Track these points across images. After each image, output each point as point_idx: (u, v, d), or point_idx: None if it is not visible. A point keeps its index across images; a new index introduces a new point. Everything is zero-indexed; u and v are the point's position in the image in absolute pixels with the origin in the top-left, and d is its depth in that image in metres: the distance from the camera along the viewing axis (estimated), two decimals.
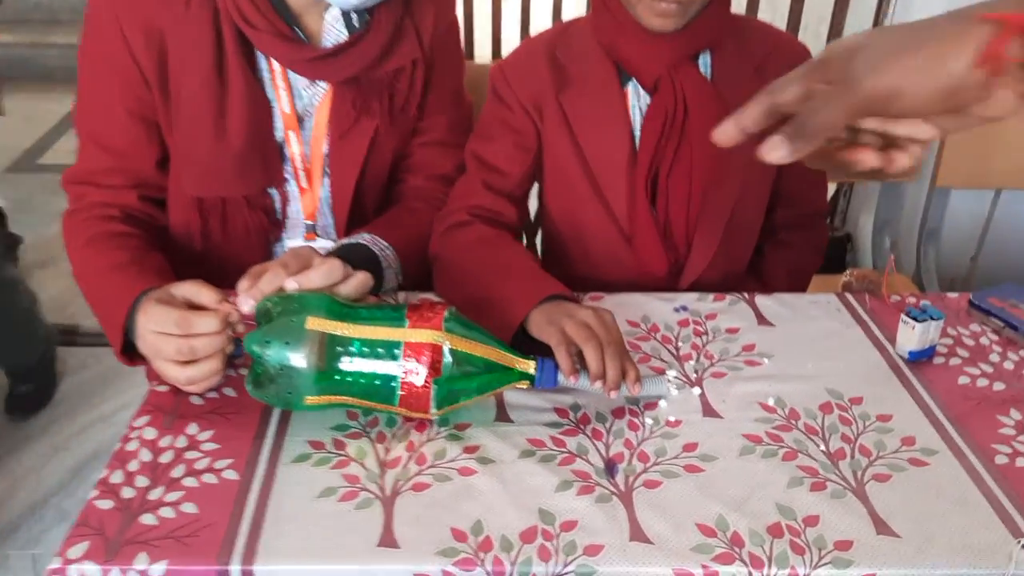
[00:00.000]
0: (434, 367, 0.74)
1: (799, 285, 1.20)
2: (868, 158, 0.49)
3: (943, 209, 1.58)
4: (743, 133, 0.50)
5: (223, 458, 0.76)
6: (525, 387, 0.80)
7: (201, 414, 0.81)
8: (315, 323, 0.74)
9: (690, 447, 0.79)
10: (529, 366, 0.79)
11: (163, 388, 0.84)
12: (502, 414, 0.82)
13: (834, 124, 0.46)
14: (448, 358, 0.75)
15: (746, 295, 1.04)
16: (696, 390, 0.86)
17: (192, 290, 0.81)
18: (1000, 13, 0.43)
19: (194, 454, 0.76)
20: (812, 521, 0.71)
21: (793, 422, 0.83)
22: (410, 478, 0.75)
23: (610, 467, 0.76)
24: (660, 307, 1.00)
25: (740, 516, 0.71)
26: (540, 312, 0.85)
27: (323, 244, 1.10)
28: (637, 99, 1.03)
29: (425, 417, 0.78)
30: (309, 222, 1.10)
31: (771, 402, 0.85)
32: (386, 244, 1.02)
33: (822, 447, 0.80)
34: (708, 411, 0.84)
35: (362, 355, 0.74)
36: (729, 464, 0.77)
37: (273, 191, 1.07)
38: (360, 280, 0.81)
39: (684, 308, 1.00)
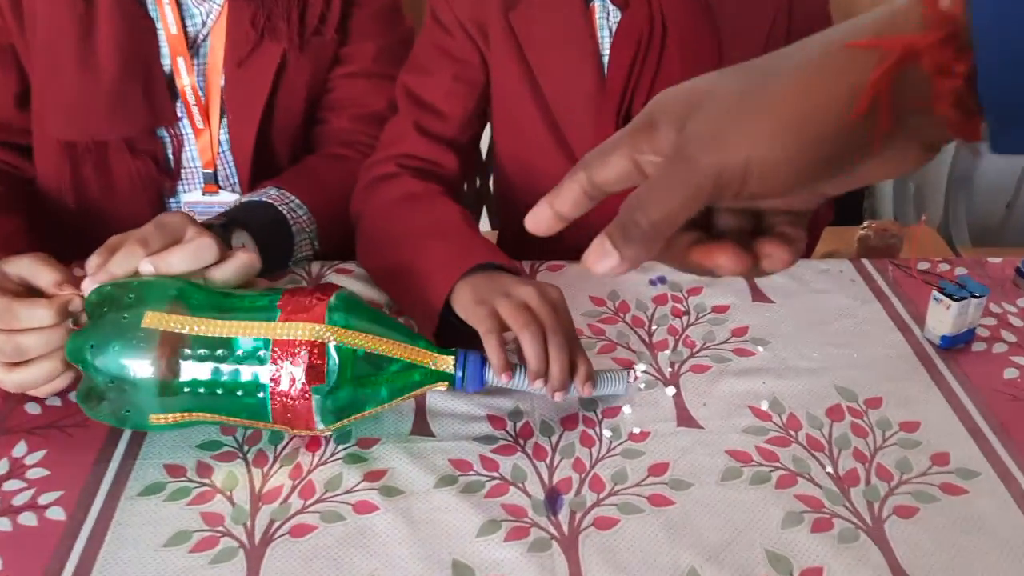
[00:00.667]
0: (315, 371, 0.56)
1: (808, 244, 1.01)
2: (728, 262, 0.35)
3: (975, 150, 1.37)
4: (563, 220, 0.37)
5: (51, 490, 0.59)
6: (444, 389, 0.63)
7: (34, 428, 0.64)
8: (154, 319, 0.55)
9: (658, 469, 0.61)
10: (447, 363, 0.61)
11: None
12: (421, 425, 0.65)
13: (671, 219, 0.32)
14: (334, 359, 0.56)
15: None
16: (670, 390, 0.68)
17: (29, 267, 0.62)
18: (874, 38, 0.29)
19: (14, 484, 0.59)
20: (814, 575, 0.54)
21: (792, 433, 0.65)
22: (289, 517, 0.57)
23: (552, 499, 0.59)
24: (632, 278, 0.82)
25: (719, 569, 0.54)
26: (467, 287, 0.67)
27: (227, 199, 0.91)
28: (605, 16, 0.83)
29: (313, 434, 0.61)
30: (208, 171, 0.91)
31: (765, 406, 0.67)
32: (298, 202, 0.83)
33: (828, 468, 0.62)
34: (684, 418, 0.66)
35: (216, 359, 0.56)
36: (707, 494, 0.60)
37: (162, 133, 0.88)
38: (240, 263, 0.62)
39: (662, 280, 0.81)
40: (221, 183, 0.91)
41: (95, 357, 0.55)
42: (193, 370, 0.56)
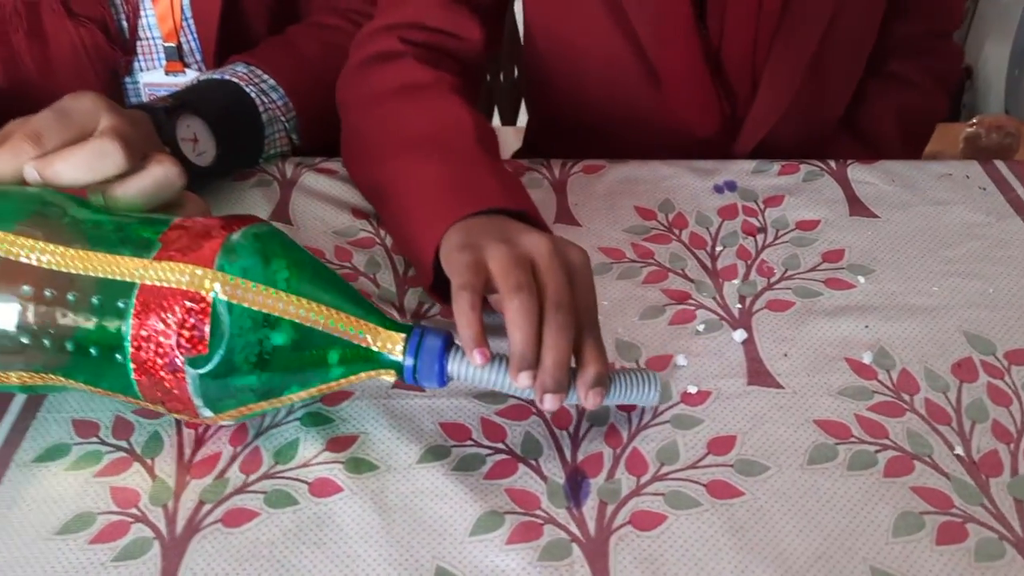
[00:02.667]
0: (190, 336, 0.39)
1: (917, 145, 0.81)
2: None
3: None
4: None
5: None
6: (390, 381, 0.45)
7: None
8: None
9: (721, 445, 0.45)
10: (394, 344, 0.42)
11: None
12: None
13: None
14: (222, 321, 0.39)
15: (832, 164, 0.66)
16: (739, 334, 0.51)
17: None
18: None
19: None
20: None
21: (906, 398, 0.48)
22: (224, 498, 0.43)
23: (574, 484, 0.44)
24: (692, 184, 0.64)
25: None
26: (460, 230, 0.48)
27: (192, 78, 0.75)
28: None
29: (197, 422, 0.45)
30: (170, 44, 0.74)
31: (867, 358, 0.50)
32: (272, 83, 0.66)
33: (958, 449, 0.45)
34: (757, 374, 0.49)
35: (64, 305, 0.40)
36: (789, 482, 0.44)
37: None
38: (151, 180, 0.46)
39: (730, 186, 0.63)
40: (187, 60, 0.74)
41: None
42: (36, 315, 0.40)
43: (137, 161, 0.46)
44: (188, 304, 0.39)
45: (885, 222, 0.60)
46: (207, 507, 0.43)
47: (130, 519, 0.42)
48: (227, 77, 0.64)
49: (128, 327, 0.39)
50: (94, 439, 0.46)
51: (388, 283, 0.56)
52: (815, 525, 0.42)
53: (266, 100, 0.65)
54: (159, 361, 0.39)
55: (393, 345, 0.42)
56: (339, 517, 0.42)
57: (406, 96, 0.61)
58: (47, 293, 0.40)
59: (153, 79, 0.74)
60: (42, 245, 0.40)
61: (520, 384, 0.41)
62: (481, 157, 0.54)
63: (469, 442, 0.46)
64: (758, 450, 0.45)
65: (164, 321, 0.39)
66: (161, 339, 0.39)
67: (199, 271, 0.39)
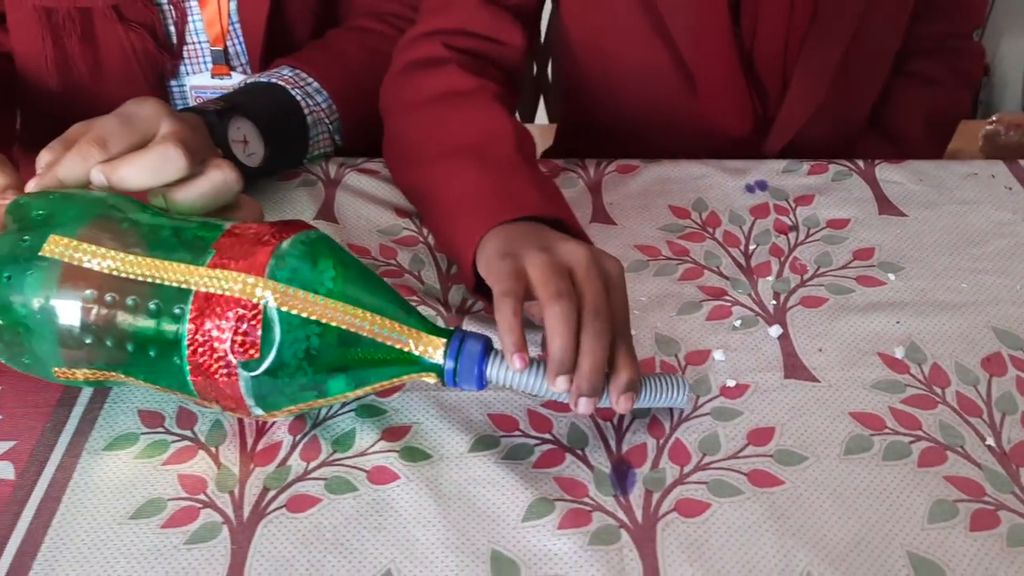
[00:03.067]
0: (243, 341, 0.41)
1: (941, 143, 0.82)
2: None
3: None
4: None
5: (1, 440, 0.48)
6: (432, 381, 0.46)
7: None
8: (57, 246, 0.42)
9: (760, 436, 0.47)
10: (435, 349, 0.44)
11: None
12: None
13: None
14: (274, 327, 0.41)
15: (860, 164, 0.68)
16: (775, 329, 0.53)
17: None
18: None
19: None
20: None
21: (938, 391, 0.50)
22: (287, 485, 0.45)
23: (620, 473, 0.46)
24: (724, 183, 0.65)
25: None
26: (499, 236, 0.49)
27: (238, 81, 0.77)
28: None
29: (248, 418, 0.47)
30: (216, 48, 0.76)
31: (900, 353, 0.52)
32: (317, 86, 0.68)
33: (989, 440, 0.47)
34: (793, 368, 0.51)
35: (125, 309, 0.42)
36: (826, 471, 0.45)
37: (160, 0, 0.73)
38: (209, 185, 0.49)
39: (761, 186, 0.65)
40: (233, 63, 0.76)
41: None
42: (98, 317, 0.42)
43: (197, 165, 0.49)
44: (241, 311, 0.41)
45: (913, 221, 0.62)
46: (271, 493, 0.45)
47: (199, 505, 0.44)
48: (274, 80, 0.66)
49: (184, 331, 0.41)
50: (160, 429, 0.48)
51: (432, 280, 0.58)
52: (853, 512, 0.43)
53: (311, 103, 0.67)
54: (214, 364, 0.41)
55: (435, 349, 0.43)
56: (397, 503, 0.44)
57: (449, 103, 0.63)
58: (108, 297, 0.42)
59: (200, 82, 0.76)
60: (103, 251, 0.42)
61: (557, 388, 0.42)
62: (521, 165, 0.56)
63: (517, 432, 0.48)
64: (796, 441, 0.47)
65: (218, 326, 0.41)
66: (215, 343, 0.41)
67: (251, 279, 0.41)
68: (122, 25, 0.72)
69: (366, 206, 0.64)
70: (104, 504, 0.44)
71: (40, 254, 0.42)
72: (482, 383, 0.44)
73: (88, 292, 0.42)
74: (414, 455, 0.46)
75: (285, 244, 0.43)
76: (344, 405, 0.49)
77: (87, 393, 0.50)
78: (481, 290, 0.52)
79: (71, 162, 0.47)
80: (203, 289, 0.41)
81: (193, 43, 0.76)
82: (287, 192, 0.65)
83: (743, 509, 0.44)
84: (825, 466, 0.46)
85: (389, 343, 0.43)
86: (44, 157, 0.49)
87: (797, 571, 0.41)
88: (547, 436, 0.47)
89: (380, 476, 0.45)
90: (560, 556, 0.42)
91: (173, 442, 0.47)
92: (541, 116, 1.38)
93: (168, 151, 0.47)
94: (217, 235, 0.43)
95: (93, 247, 0.42)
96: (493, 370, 0.44)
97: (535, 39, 0.77)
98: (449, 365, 0.43)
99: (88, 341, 0.42)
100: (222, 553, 0.42)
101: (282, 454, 0.47)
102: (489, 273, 0.48)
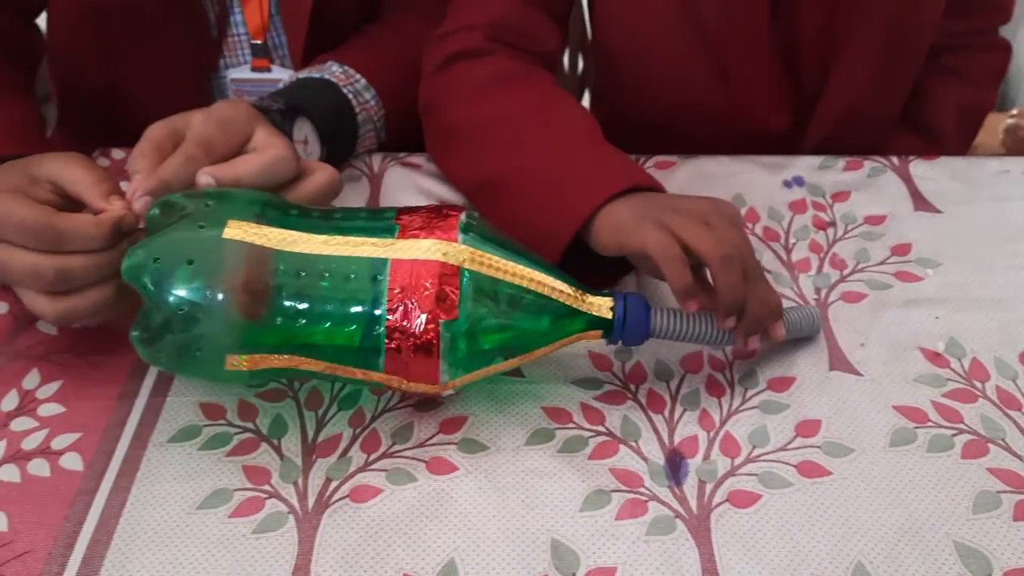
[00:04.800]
0: (446, 301, 0.43)
1: (971, 138, 0.83)
2: None
3: None
4: None
5: (66, 431, 0.49)
6: (597, 340, 0.48)
7: (49, 353, 0.53)
8: (239, 230, 0.43)
9: (807, 428, 0.49)
10: (603, 306, 0.47)
11: (1, 308, 0.56)
12: None
13: None
14: (468, 288, 0.43)
15: (895, 160, 0.69)
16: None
17: (63, 170, 0.49)
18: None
19: (25, 422, 0.49)
20: None
21: (978, 386, 0.51)
22: (349, 476, 0.47)
23: (674, 464, 0.47)
24: (762, 179, 0.66)
25: (895, 567, 0.42)
26: (621, 207, 0.51)
27: (280, 76, 0.78)
28: None
29: (430, 392, 0.47)
30: (257, 41, 0.76)
31: (940, 347, 0.53)
32: (365, 83, 0.69)
33: None
34: (838, 360, 0.52)
35: (318, 285, 0.43)
36: (873, 463, 0.47)
37: None
38: (321, 184, 0.51)
39: (799, 181, 0.66)
40: (273, 56, 0.77)
41: (161, 278, 0.42)
42: (289, 296, 0.43)
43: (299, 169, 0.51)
44: (442, 274, 0.43)
45: (949, 217, 0.63)
46: (334, 484, 0.46)
47: (264, 495, 0.46)
48: (325, 76, 0.67)
49: (384, 298, 0.43)
50: (222, 421, 0.49)
51: None
52: (900, 503, 0.45)
53: (360, 100, 0.67)
54: (416, 327, 0.43)
55: (601, 308, 0.47)
56: (457, 493, 0.46)
57: (508, 84, 0.63)
58: (301, 274, 0.43)
59: (240, 75, 0.77)
60: (286, 232, 0.43)
61: (728, 327, 0.47)
62: (602, 140, 0.58)
63: (571, 425, 0.49)
64: (843, 433, 0.48)
65: (418, 291, 0.43)
66: (418, 306, 0.43)
67: (452, 246, 0.44)
68: (169, 17, 0.72)
69: (412, 199, 0.65)
70: (172, 494, 0.46)
71: (223, 237, 0.42)
72: (647, 336, 0.48)
73: (279, 269, 0.43)
74: (472, 447, 0.48)
75: (463, 217, 0.45)
76: (403, 399, 0.50)
77: (147, 387, 0.51)
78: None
79: (177, 165, 0.48)
80: (401, 256, 0.43)
81: (232, 36, 0.76)
82: None
83: (793, 500, 0.45)
84: (871, 458, 0.47)
85: (563, 300, 0.46)
86: (140, 162, 0.49)
87: (847, 560, 0.42)
88: (600, 428, 0.49)
89: (439, 467, 0.47)
90: (618, 545, 0.43)
91: (235, 434, 0.49)
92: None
93: (278, 153, 0.50)
94: (392, 217, 0.46)
95: (275, 230, 0.43)
96: (658, 320, 0.47)
97: (566, 40, 0.77)
98: (619, 318, 0.47)
99: (279, 325, 0.43)
100: (290, 542, 0.44)
101: (343, 445, 0.48)
102: (628, 239, 0.49)
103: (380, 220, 0.46)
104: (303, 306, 0.43)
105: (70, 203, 0.49)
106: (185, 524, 0.44)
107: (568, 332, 0.47)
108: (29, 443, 0.48)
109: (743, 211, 0.63)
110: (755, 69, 0.69)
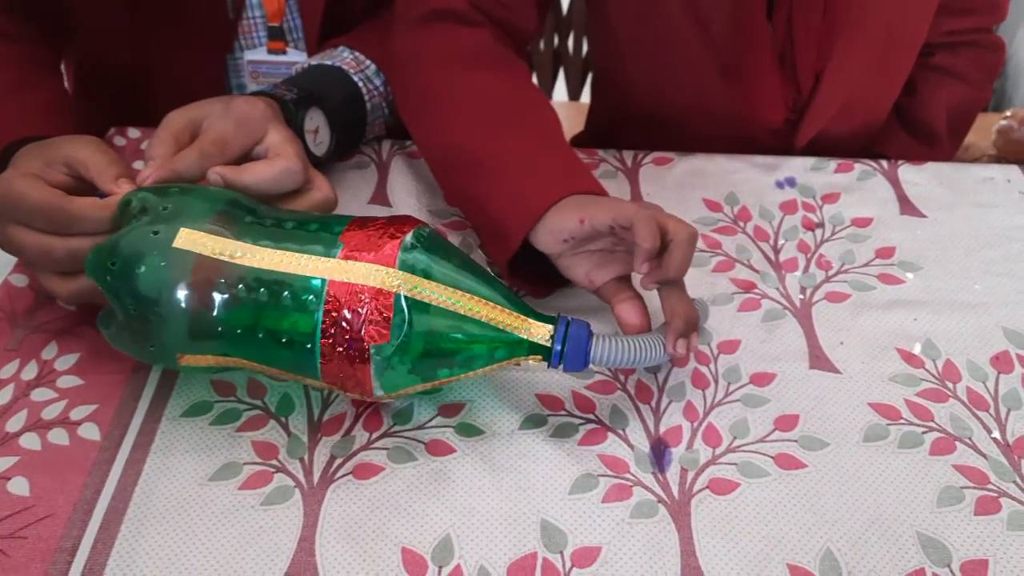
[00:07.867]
0: (377, 326, 0.45)
1: (962, 136, 0.85)
2: None
3: None
4: None
5: (84, 403, 0.52)
6: (538, 364, 0.49)
7: (67, 327, 0.56)
8: (190, 239, 0.45)
9: (786, 422, 0.51)
10: (543, 332, 0.48)
11: (22, 282, 0.59)
12: None
13: None
14: (403, 313, 0.45)
15: (884, 164, 0.71)
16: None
17: (78, 153, 0.51)
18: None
19: (44, 392, 0.52)
20: (976, 570, 0.45)
21: (950, 386, 0.54)
22: (352, 454, 0.49)
23: (658, 452, 0.50)
24: (756, 179, 0.69)
25: (860, 554, 0.45)
26: (570, 203, 0.53)
27: (295, 59, 0.79)
28: None
29: (366, 400, 0.50)
30: (274, 24, 0.78)
31: (916, 348, 0.56)
32: (375, 68, 0.70)
33: (995, 433, 0.51)
34: (818, 359, 0.55)
35: (260, 298, 0.45)
36: (846, 456, 0.50)
37: None
38: (317, 201, 0.54)
39: (790, 182, 0.68)
40: (288, 39, 0.78)
41: (116, 279, 0.45)
42: (231, 307, 0.45)
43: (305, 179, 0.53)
44: (375, 299, 0.44)
45: (932, 222, 0.65)
46: (338, 461, 0.49)
47: (272, 469, 0.48)
48: (336, 63, 0.68)
49: (319, 318, 0.45)
50: (232, 398, 0.52)
51: (480, 262, 0.61)
52: (869, 495, 0.48)
53: (370, 87, 0.69)
54: (348, 348, 0.45)
55: (544, 333, 0.47)
56: (454, 473, 0.48)
57: (488, 68, 0.63)
58: (241, 287, 0.45)
59: (257, 57, 0.78)
60: (235, 244, 0.45)
61: (678, 352, 0.48)
62: (569, 147, 0.59)
63: (563, 412, 0.52)
64: (819, 428, 0.51)
65: (356, 313, 0.44)
66: (351, 328, 0.44)
67: (386, 271, 0.45)
68: (189, 2, 0.74)
69: (418, 189, 0.67)
70: (185, 466, 0.48)
71: (173, 246, 0.45)
72: (586, 364, 0.48)
73: (221, 282, 0.45)
74: (468, 431, 0.51)
75: (409, 238, 0.46)
76: None
77: None
78: (514, 266, 0.55)
79: (192, 159, 0.50)
80: (338, 279, 0.45)
81: (248, 18, 0.78)
82: (342, 174, 0.68)
83: (770, 489, 0.48)
84: (845, 452, 0.50)
85: (502, 327, 0.47)
86: (157, 149, 0.51)
87: (818, 547, 0.45)
88: (590, 416, 0.52)
89: (437, 448, 0.50)
90: (604, 526, 0.46)
91: (245, 411, 0.51)
92: (560, 92, 1.40)
93: (289, 167, 0.52)
94: (342, 229, 0.47)
95: (223, 241, 0.45)
96: (597, 351, 0.48)
97: (544, 24, 0.78)
98: (557, 348, 0.47)
99: (219, 330, 0.45)
100: (295, 515, 0.46)
101: (347, 424, 0.51)
102: (598, 209, 0.51)
103: (328, 233, 0.47)
104: (244, 317, 0.45)
105: (85, 185, 0.51)
106: (197, 495, 0.47)
107: (507, 357, 0.48)
108: (49, 413, 0.51)
109: (736, 209, 0.66)
110: (753, 65, 0.71)
